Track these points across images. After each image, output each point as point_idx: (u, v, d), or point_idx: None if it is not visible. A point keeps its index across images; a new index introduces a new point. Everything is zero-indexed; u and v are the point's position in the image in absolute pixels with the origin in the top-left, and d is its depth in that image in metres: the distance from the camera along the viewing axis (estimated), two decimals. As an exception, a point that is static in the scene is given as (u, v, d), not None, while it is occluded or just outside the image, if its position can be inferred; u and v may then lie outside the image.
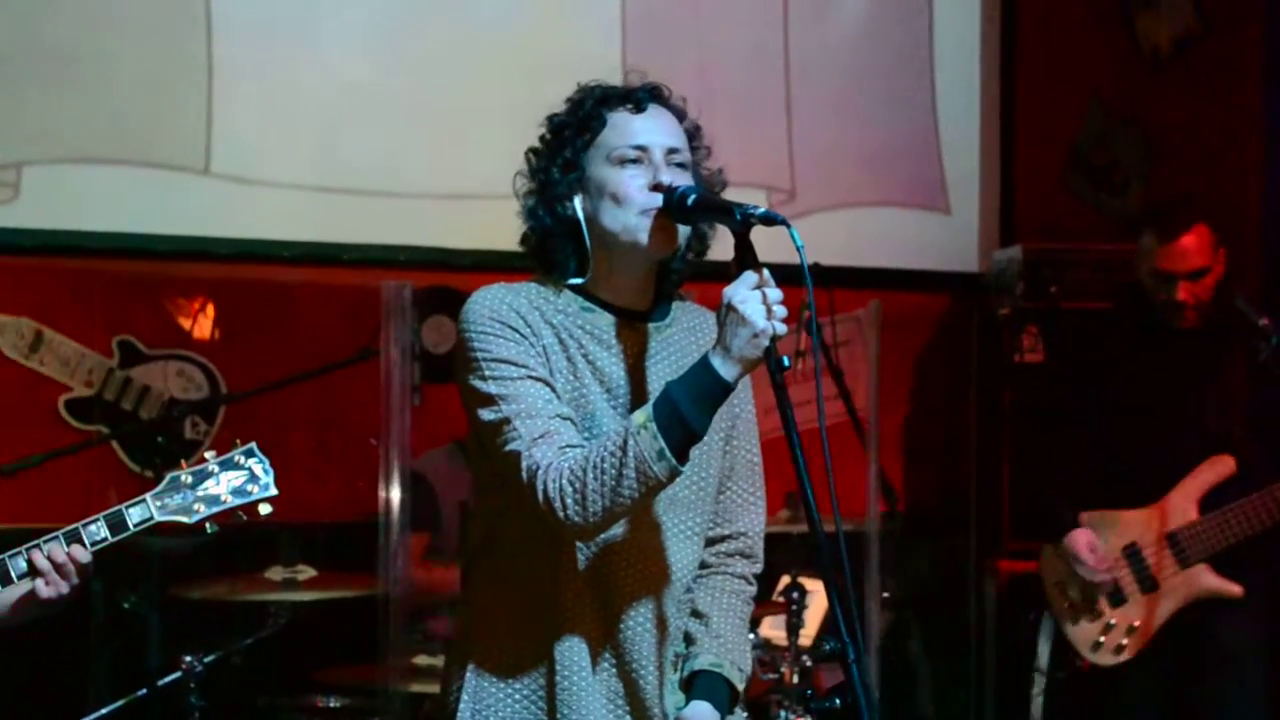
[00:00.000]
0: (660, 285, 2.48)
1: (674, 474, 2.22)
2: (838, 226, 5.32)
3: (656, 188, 2.34)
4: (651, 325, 2.45)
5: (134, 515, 2.66)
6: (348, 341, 4.30)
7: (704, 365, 2.22)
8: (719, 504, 2.53)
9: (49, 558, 2.60)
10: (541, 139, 2.46)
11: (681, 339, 2.47)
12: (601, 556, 2.38)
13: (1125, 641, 4.06)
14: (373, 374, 3.98)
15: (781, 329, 2.19)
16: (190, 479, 2.71)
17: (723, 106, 4.84)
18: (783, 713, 4.06)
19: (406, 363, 3.96)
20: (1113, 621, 4.09)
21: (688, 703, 2.46)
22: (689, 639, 2.51)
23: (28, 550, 2.62)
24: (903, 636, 5.21)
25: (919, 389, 5.62)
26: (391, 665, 3.89)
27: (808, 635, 4.35)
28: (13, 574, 2.62)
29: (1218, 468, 4.02)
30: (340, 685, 4.17)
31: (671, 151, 2.39)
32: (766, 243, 2.24)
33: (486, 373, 2.32)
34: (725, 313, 2.21)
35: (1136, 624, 4.06)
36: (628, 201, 2.35)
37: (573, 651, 2.37)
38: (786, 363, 2.22)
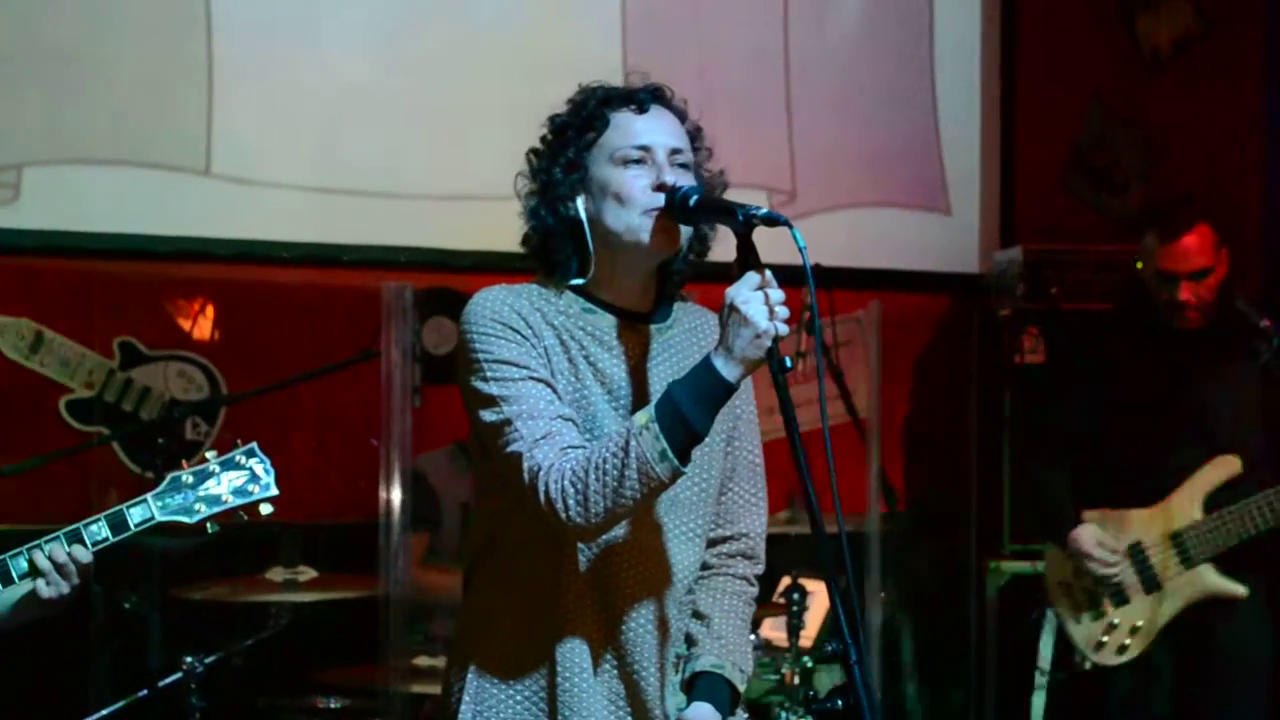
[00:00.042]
0: (662, 286, 2.47)
1: (676, 475, 2.22)
2: (838, 227, 5.32)
3: (660, 188, 2.34)
4: (653, 326, 2.45)
5: (135, 515, 2.67)
6: (348, 342, 4.29)
7: (706, 366, 2.22)
8: (720, 505, 2.53)
9: (50, 558, 2.61)
10: (543, 139, 2.45)
11: (683, 340, 2.47)
12: (603, 558, 2.37)
13: (1128, 641, 4.06)
14: (373, 375, 3.98)
15: (784, 330, 2.19)
16: (191, 479, 2.71)
17: (723, 107, 4.85)
18: (783, 714, 4.05)
19: (407, 364, 3.95)
20: (1116, 621, 4.08)
21: (689, 704, 2.45)
22: (690, 640, 2.50)
23: (29, 550, 2.62)
24: (903, 637, 5.21)
25: (919, 389, 5.62)
26: (392, 666, 3.88)
27: (808, 636, 4.34)
28: (13, 574, 2.62)
29: (1223, 467, 4.01)
30: (341, 686, 4.16)
31: (674, 152, 2.39)
32: (767, 243, 2.24)
33: (488, 374, 2.32)
34: (728, 313, 2.21)
35: (1140, 624, 4.05)
36: (631, 201, 2.35)
37: (574, 653, 2.37)
38: (789, 363, 2.22)
